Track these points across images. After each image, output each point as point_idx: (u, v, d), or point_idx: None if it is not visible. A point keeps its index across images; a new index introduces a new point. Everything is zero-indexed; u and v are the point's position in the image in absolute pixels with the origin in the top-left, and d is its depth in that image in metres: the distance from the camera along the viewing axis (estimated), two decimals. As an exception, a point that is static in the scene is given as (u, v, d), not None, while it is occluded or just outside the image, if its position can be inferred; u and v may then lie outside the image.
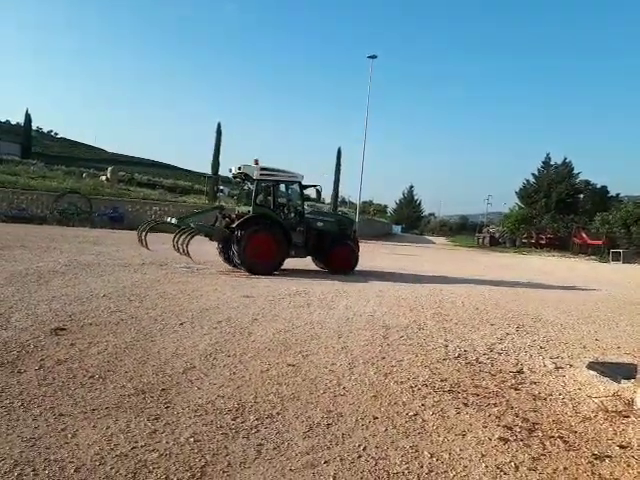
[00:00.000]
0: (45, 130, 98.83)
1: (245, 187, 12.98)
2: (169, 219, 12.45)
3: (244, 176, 12.23)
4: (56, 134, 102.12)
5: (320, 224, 13.02)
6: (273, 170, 12.09)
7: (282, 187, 12.87)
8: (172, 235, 11.90)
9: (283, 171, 12.31)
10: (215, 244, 12.74)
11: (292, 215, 12.63)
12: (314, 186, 13.29)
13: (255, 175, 11.73)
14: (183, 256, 11.37)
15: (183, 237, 11.33)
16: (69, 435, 2.98)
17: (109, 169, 41.99)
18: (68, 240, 16.47)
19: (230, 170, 12.55)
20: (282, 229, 11.85)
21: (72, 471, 2.59)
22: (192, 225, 11.65)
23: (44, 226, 23.84)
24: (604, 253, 35.63)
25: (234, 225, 11.53)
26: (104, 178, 40.67)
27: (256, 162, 11.91)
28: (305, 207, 13.40)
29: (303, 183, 12.67)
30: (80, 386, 3.74)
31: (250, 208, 11.77)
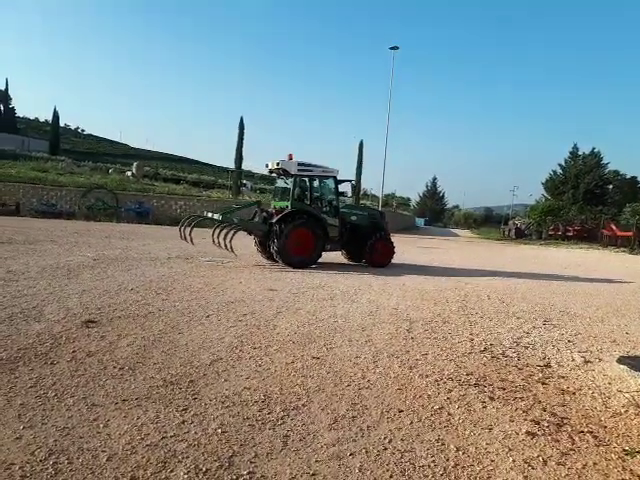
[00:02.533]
0: (72, 127, 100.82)
1: (280, 182, 13.06)
2: (210, 214, 12.59)
3: (282, 171, 12.35)
4: (83, 131, 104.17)
5: (354, 218, 13.21)
6: (310, 165, 12.31)
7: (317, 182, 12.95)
8: (209, 229, 12.02)
9: (319, 166, 12.51)
10: (250, 237, 12.84)
11: (327, 209, 12.74)
12: (349, 181, 13.57)
13: (293, 170, 11.97)
14: (224, 251, 11.43)
15: (225, 232, 11.54)
16: (101, 425, 3.06)
17: (134, 164, 42.72)
18: (96, 235, 16.82)
19: (267, 165, 12.68)
20: (320, 224, 12.06)
21: (104, 460, 2.67)
22: (235, 220, 11.91)
23: (72, 221, 24.39)
24: (634, 245, 34.69)
25: (274, 220, 11.67)
26: (129, 173, 41.37)
27: (290, 157, 12.10)
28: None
29: (338, 178, 12.82)
30: (111, 377, 3.84)
31: (288, 203, 11.99)
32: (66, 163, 44.04)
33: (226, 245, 11.35)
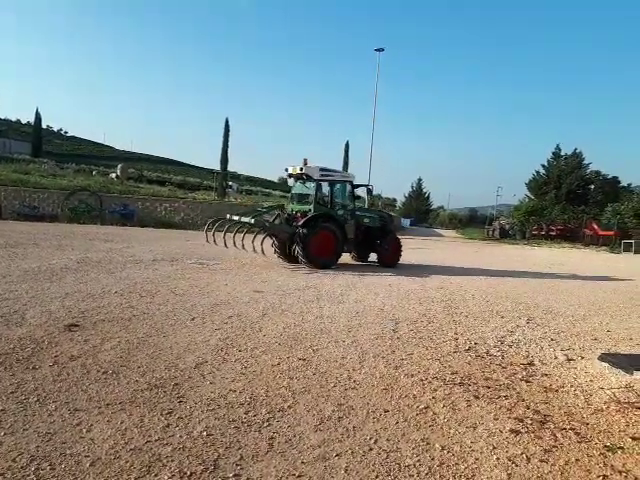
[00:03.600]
0: (55, 129, 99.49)
1: (297, 186, 13.51)
2: (237, 217, 12.86)
3: (305, 176, 12.79)
4: (66, 132, 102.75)
5: (367, 220, 13.87)
6: (330, 171, 13.01)
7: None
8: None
9: (338, 171, 13.43)
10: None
11: (345, 212, 13.28)
12: (365, 186, 14.49)
13: (316, 175, 12.53)
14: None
15: (243, 235, 11.98)
16: (84, 430, 3.02)
17: (119, 166, 42.23)
18: (79, 237, 16.61)
19: (286, 170, 13.25)
20: (340, 226, 12.68)
21: (88, 465, 2.64)
22: (267, 224, 12.39)
23: (55, 224, 24.06)
24: (615, 244, 35.25)
25: (300, 224, 12.18)
26: (114, 175, 40.91)
27: (305, 162, 12.69)
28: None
29: (354, 183, 13.66)
30: (94, 381, 3.80)
31: (309, 207, 12.59)
32: (49, 165, 43.38)
33: (254, 248, 11.80)
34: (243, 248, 11.79)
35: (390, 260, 13.90)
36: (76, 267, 9.54)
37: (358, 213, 13.73)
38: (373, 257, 14.29)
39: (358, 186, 13.95)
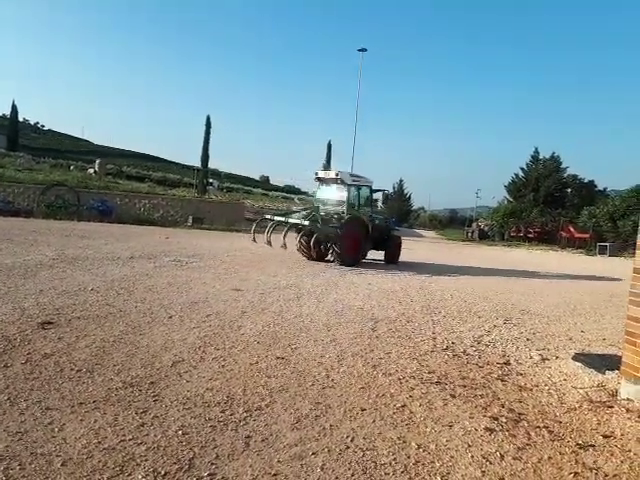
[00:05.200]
0: (32, 122, 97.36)
1: (323, 189, 14.84)
2: (283, 218, 14.14)
3: (340, 181, 14.09)
4: (43, 126, 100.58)
5: (377, 222, 15.02)
6: (358, 176, 14.52)
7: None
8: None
9: (362, 177, 14.67)
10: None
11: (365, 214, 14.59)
12: (382, 190, 16.59)
13: (348, 181, 13.96)
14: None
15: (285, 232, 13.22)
16: (56, 429, 2.96)
17: (97, 162, 41.54)
18: (55, 234, 16.29)
19: (316, 174, 14.69)
20: (365, 228, 13.94)
21: (59, 465, 2.59)
22: (318, 226, 13.15)
23: (31, 219, 23.55)
24: (591, 246, 35.97)
25: (338, 225, 13.19)
26: (92, 171, 40.25)
27: (324, 167, 14.51)
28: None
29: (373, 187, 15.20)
30: (67, 380, 3.73)
31: (342, 209, 13.90)
32: (25, 159, 42.46)
33: (285, 244, 12.91)
34: (285, 246, 12.87)
35: (394, 257, 15.35)
36: (51, 263, 9.36)
37: (372, 215, 14.96)
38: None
39: (376, 191, 15.83)
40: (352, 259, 13.49)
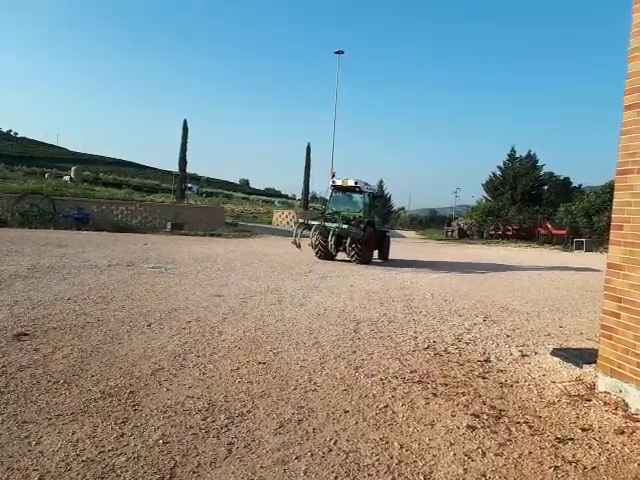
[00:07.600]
0: (4, 129, 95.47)
1: (338, 196, 16.60)
2: (319, 222, 15.27)
3: (358, 189, 15.95)
4: (16, 134, 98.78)
5: (378, 225, 17.21)
6: (367, 184, 16.34)
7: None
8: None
9: (369, 184, 16.67)
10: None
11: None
12: (381, 196, 19.17)
13: (364, 188, 16.00)
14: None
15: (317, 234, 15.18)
16: (33, 442, 2.90)
17: (73, 169, 40.95)
18: (30, 243, 15.97)
19: (333, 182, 16.09)
20: (374, 229, 16.20)
21: (36, 479, 2.53)
22: (353, 230, 14.59)
23: (5, 229, 23.03)
24: (568, 242, 36.65)
25: (361, 227, 14.90)
26: (67, 178, 39.62)
27: (333, 175, 16.33)
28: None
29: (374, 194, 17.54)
30: (44, 392, 3.65)
31: (357, 214, 15.74)
32: (-3, 168, 41.63)
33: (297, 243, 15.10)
34: (299, 246, 14.98)
35: (387, 255, 17.51)
36: (27, 273, 9.17)
37: (375, 219, 17.02)
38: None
39: (378, 196, 18.72)
40: (369, 257, 15.65)
